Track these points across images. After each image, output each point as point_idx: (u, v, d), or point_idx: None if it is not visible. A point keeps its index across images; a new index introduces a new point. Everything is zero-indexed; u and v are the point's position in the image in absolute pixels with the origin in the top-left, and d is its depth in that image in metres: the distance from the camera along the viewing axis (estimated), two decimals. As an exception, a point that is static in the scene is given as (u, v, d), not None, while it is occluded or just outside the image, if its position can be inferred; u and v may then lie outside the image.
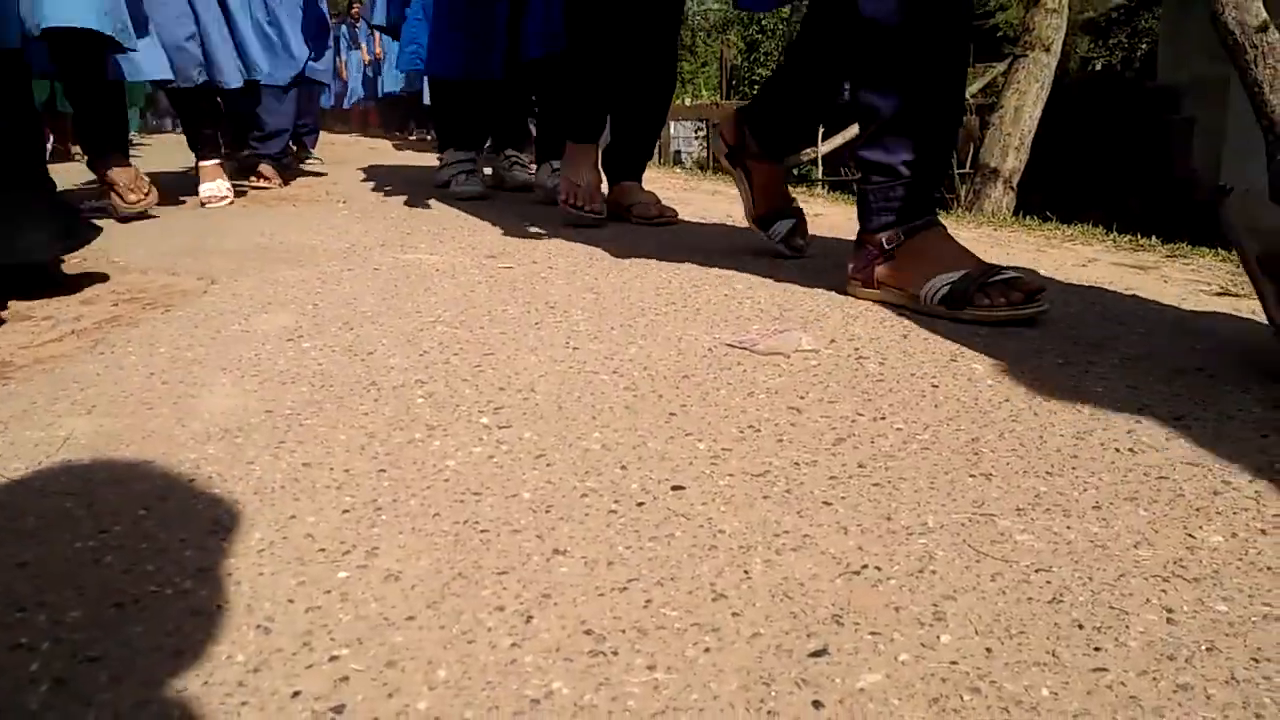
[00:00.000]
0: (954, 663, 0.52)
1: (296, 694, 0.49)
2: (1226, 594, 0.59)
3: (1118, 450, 0.82)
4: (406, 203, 2.83)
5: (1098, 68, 10.24)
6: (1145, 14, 10.15)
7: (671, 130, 11.33)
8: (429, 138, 7.60)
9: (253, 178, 3.50)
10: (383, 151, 6.65)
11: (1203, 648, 0.53)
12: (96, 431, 0.87)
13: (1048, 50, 5.63)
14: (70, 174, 3.71)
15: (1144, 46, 10.24)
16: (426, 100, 5.12)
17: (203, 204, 2.91)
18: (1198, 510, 0.71)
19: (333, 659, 0.52)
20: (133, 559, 0.63)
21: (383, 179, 3.84)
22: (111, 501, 0.72)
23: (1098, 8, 9.02)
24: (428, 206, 2.71)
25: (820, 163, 10.28)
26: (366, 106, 10.58)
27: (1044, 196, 5.25)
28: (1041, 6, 5.68)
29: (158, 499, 0.73)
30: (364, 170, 4.50)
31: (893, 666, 0.51)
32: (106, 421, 0.90)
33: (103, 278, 1.65)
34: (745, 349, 1.13)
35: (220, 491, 0.74)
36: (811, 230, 2.24)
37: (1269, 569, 0.62)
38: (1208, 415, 0.90)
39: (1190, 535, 0.67)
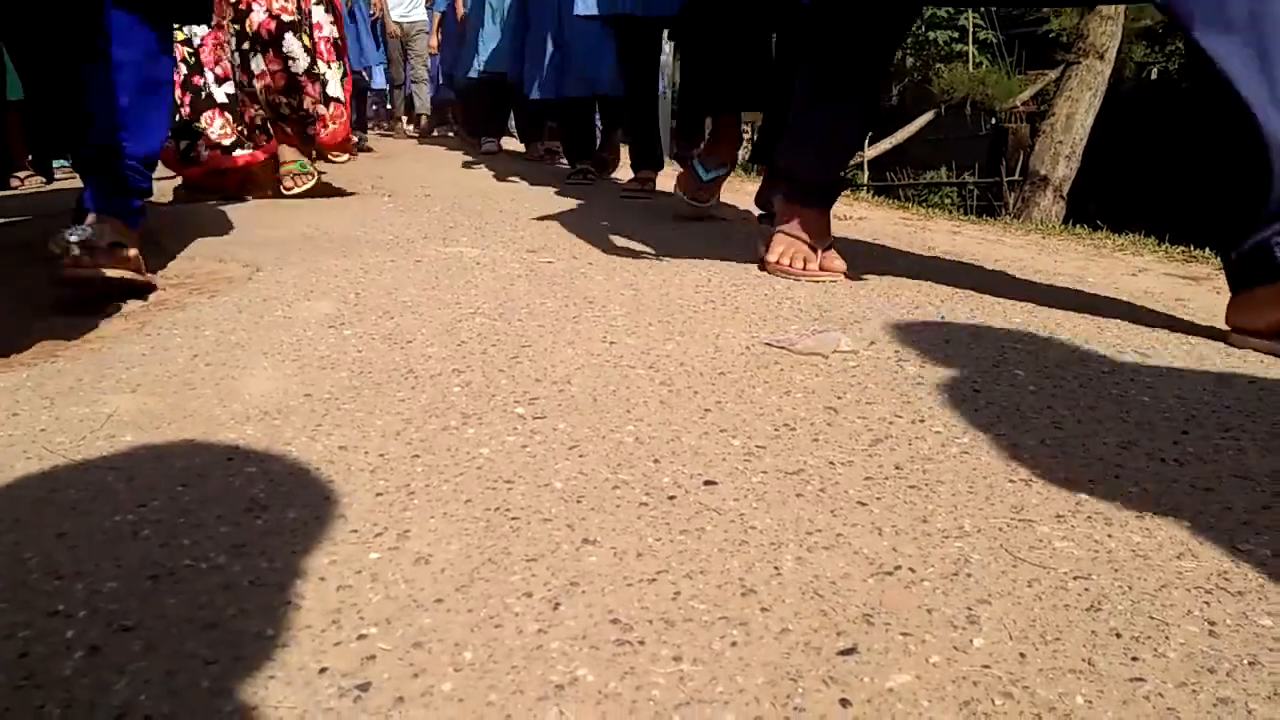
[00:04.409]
0: (986, 666, 0.51)
1: (324, 670, 0.50)
2: (1272, 608, 0.57)
3: (1163, 461, 0.80)
4: (450, 197, 2.85)
5: (1154, 76, 10.04)
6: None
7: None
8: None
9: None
10: (429, 149, 6.70)
11: (1245, 662, 0.52)
12: (140, 410, 0.89)
13: (1101, 57, 5.53)
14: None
15: (1202, 56, 10.00)
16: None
17: None
18: (1245, 524, 0.69)
19: (361, 637, 0.53)
20: (170, 533, 0.64)
21: (428, 174, 3.87)
22: (151, 477, 0.73)
23: (1154, 15, 8.84)
24: (471, 201, 2.73)
25: (866, 168, 10.20)
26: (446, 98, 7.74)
27: (1100, 206, 5.17)
28: (1096, 12, 5.58)
29: (196, 476, 0.74)
30: (410, 165, 4.55)
31: (923, 668, 0.50)
32: (150, 401, 0.91)
33: (151, 262, 1.68)
34: (783, 348, 1.12)
35: (257, 471, 0.75)
36: (855, 235, 2.22)
37: (1318, 585, 0.60)
38: (1258, 428, 0.87)
39: (1236, 549, 0.65)
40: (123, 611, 0.55)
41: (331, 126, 2.93)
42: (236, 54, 2.72)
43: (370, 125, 7.51)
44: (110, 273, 1.29)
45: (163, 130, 1.58)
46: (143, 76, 1.46)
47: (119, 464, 0.76)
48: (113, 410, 0.88)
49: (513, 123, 6.12)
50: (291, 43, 2.73)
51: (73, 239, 1.28)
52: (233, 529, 0.65)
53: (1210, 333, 1.23)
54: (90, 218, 1.39)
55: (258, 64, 2.72)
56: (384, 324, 1.22)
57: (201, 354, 1.08)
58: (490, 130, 5.63)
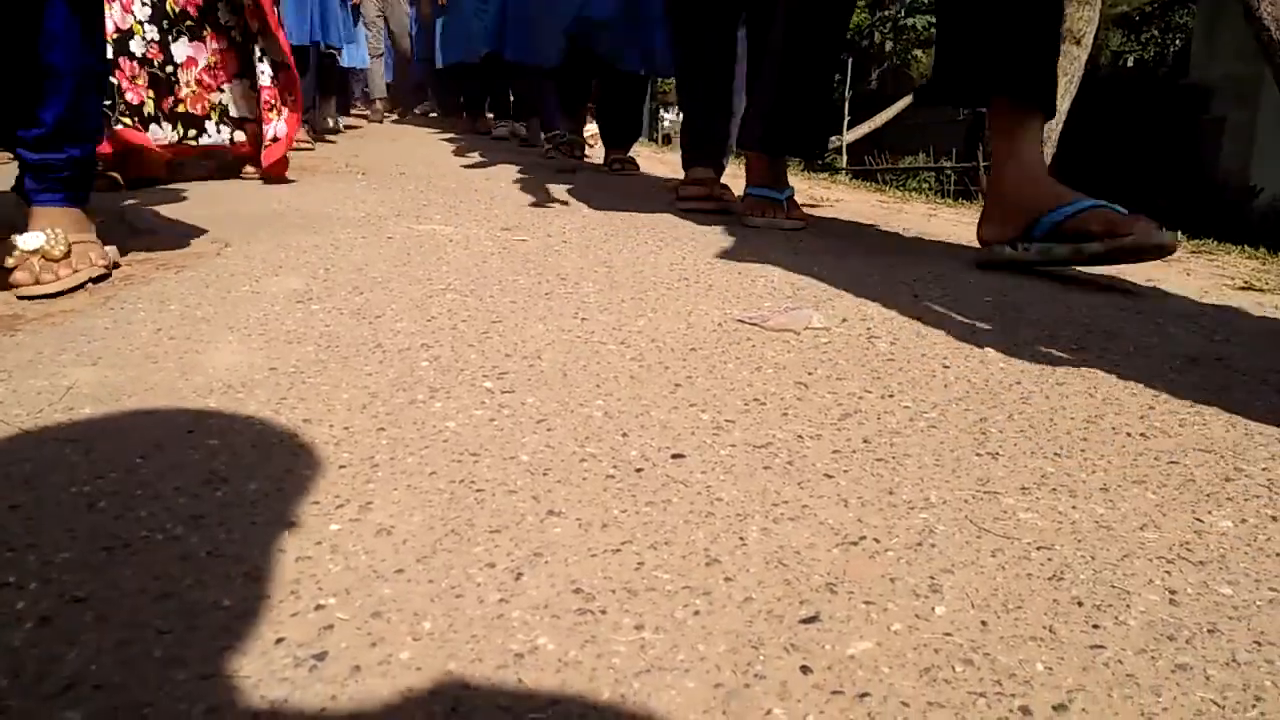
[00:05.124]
0: (948, 634, 0.51)
1: (280, 640, 0.49)
2: (1232, 578, 0.57)
3: (1129, 435, 0.80)
4: (425, 176, 2.82)
5: (1129, 63, 10.10)
6: (1179, 9, 10.01)
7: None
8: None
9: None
10: (407, 129, 6.62)
11: (1204, 629, 0.52)
12: (100, 383, 0.87)
13: (1078, 43, 5.55)
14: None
15: (1177, 43, 10.10)
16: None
17: None
18: (1208, 496, 0.69)
19: (318, 608, 0.52)
20: (126, 505, 0.63)
21: (404, 153, 3.83)
22: (109, 450, 0.72)
23: (1131, 2, 8.89)
24: (446, 180, 2.71)
25: (844, 152, 10.22)
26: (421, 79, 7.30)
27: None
28: (1074, -1, 5.59)
29: (155, 448, 0.72)
30: (385, 144, 4.50)
31: (885, 635, 0.50)
32: (111, 373, 0.90)
33: (118, 238, 1.65)
34: (755, 325, 1.12)
35: (218, 443, 0.74)
36: (832, 215, 2.23)
37: (1277, 555, 0.60)
38: (1223, 403, 0.88)
39: (1199, 520, 0.65)
40: (75, 583, 0.54)
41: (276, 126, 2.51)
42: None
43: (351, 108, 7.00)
44: (69, 283, 1.23)
45: (99, 124, 1.49)
46: (80, 76, 1.36)
47: (76, 436, 0.75)
48: (72, 383, 0.87)
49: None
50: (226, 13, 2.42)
51: (28, 247, 1.22)
52: (191, 501, 0.64)
53: (1180, 312, 1.24)
54: (40, 219, 1.31)
55: (182, 50, 2.35)
56: (353, 299, 1.20)
57: (165, 328, 1.06)
58: (500, 112, 5.29)
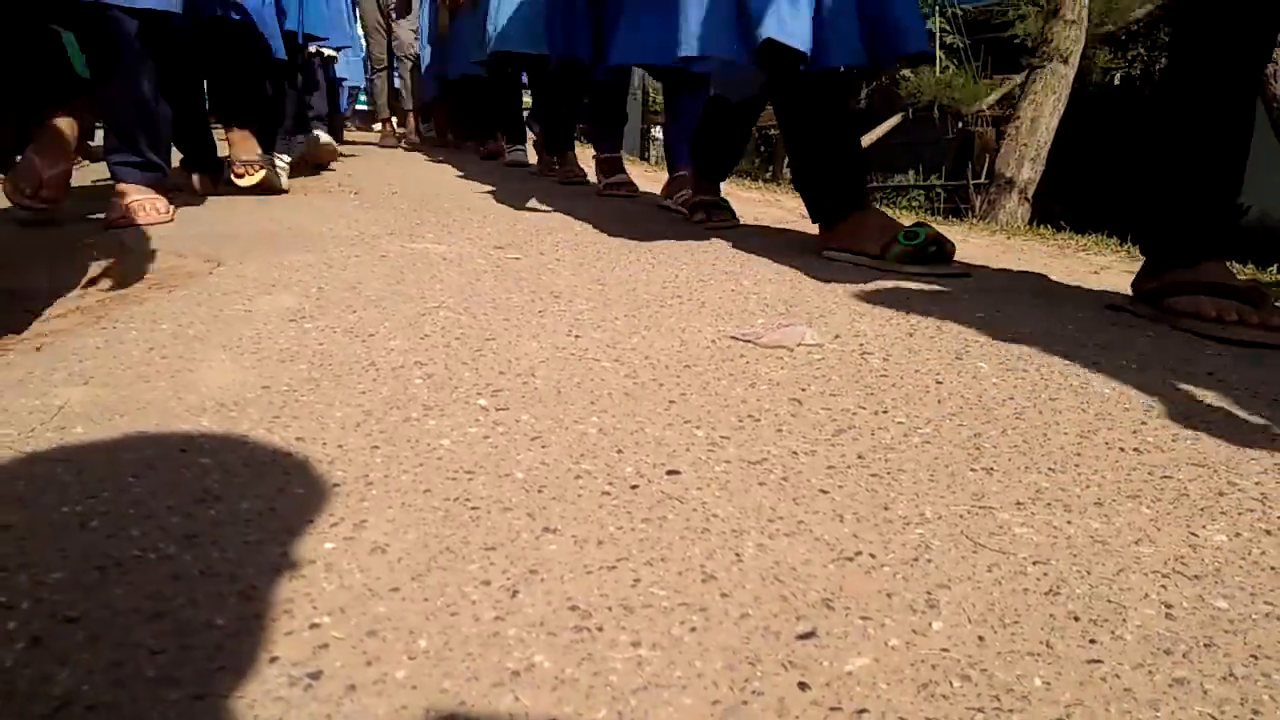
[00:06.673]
0: (945, 650, 0.50)
1: (274, 659, 0.49)
2: (1227, 592, 0.58)
3: (1122, 449, 0.81)
4: (418, 196, 2.83)
5: (1116, 81, 10.19)
6: (1165, 27, 10.10)
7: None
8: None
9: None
10: (402, 154, 6.61)
11: (1201, 643, 0.52)
12: (92, 402, 0.87)
13: (1065, 61, 5.61)
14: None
15: (1164, 60, 10.19)
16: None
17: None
18: (1202, 509, 0.69)
19: (313, 627, 0.52)
20: (118, 524, 0.62)
21: (397, 173, 3.84)
22: (101, 469, 0.72)
23: (1117, 20, 8.98)
24: (439, 200, 2.71)
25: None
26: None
27: (1065, 208, 5.23)
28: (1060, 17, 5.66)
29: (148, 467, 0.72)
30: (379, 164, 4.51)
31: (882, 651, 0.50)
32: (103, 392, 0.89)
33: (110, 259, 1.65)
34: (749, 341, 1.12)
35: (211, 462, 0.73)
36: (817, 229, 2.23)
37: (1272, 569, 0.61)
38: (1215, 418, 0.88)
39: (1193, 534, 0.65)
40: (67, 602, 0.53)
41: None
42: None
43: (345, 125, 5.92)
44: None
45: None
46: None
47: (68, 456, 0.74)
48: (64, 402, 0.86)
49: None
50: None
51: None
52: (184, 520, 0.63)
53: (1172, 326, 1.25)
54: None
55: None
56: (346, 318, 1.20)
57: (158, 347, 1.05)
58: (512, 134, 4.37)
